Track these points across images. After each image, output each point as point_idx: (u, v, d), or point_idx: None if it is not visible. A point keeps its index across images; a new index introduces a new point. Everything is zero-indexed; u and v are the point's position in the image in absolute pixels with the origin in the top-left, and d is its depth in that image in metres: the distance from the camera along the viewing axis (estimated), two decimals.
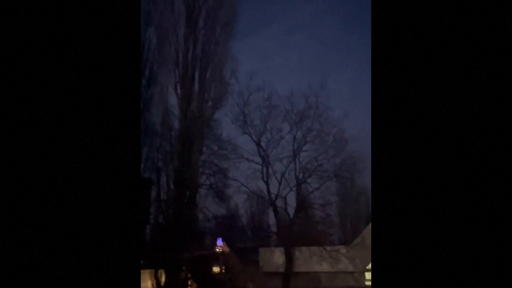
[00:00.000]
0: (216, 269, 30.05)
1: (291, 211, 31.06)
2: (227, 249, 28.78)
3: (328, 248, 30.25)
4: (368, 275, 31.82)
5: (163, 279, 25.29)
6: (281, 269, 29.38)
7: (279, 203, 31.05)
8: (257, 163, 30.80)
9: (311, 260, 30.11)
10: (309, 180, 31.27)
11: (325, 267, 30.39)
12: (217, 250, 28.50)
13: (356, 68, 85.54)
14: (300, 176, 31.01)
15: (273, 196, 30.86)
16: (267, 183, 30.74)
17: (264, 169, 30.75)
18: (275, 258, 30.33)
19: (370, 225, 33.08)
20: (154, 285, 25.06)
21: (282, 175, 30.90)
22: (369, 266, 29.47)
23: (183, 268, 26.26)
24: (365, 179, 37.89)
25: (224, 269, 30.14)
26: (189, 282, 26.89)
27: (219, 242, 28.84)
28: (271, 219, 33.88)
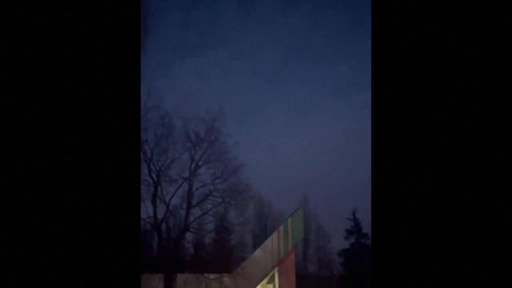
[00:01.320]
0: None
1: (176, 235, 30.71)
2: None
3: (211, 276, 29.60)
4: None
5: None
6: None
7: (164, 227, 30.47)
8: (146, 184, 29.82)
9: None
10: (199, 204, 31.01)
11: None
12: None
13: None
14: (191, 200, 30.65)
15: (159, 219, 30.04)
16: (154, 205, 29.90)
17: (153, 191, 29.96)
18: (155, 284, 28.88)
19: (253, 254, 33.10)
20: None
21: (171, 197, 30.38)
22: None
23: None
24: (252, 208, 38.02)
25: None
26: None
27: None
28: (156, 244, 33.01)
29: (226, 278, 29.92)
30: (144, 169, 29.49)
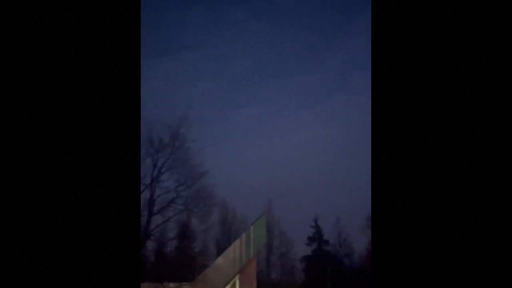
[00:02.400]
0: None
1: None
2: None
3: (171, 285, 29.06)
4: None
5: None
6: None
7: None
8: None
9: None
10: (161, 211, 30.56)
11: None
12: None
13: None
14: (152, 207, 30.18)
15: None
16: None
17: None
18: None
19: (214, 262, 32.69)
20: None
21: None
22: None
23: None
24: (216, 214, 37.38)
25: None
26: None
27: None
28: None
29: (186, 287, 29.42)
30: None
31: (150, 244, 32.48)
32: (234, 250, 31.01)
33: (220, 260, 31.86)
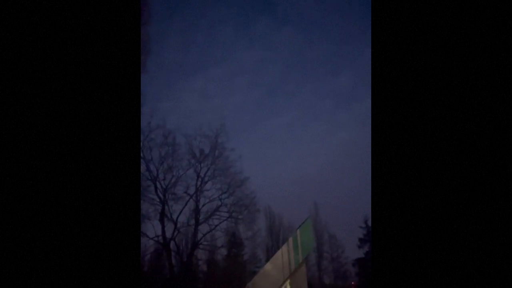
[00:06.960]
0: None
1: (185, 253, 30.38)
2: None
3: None
4: None
5: None
6: None
7: (173, 245, 30.00)
8: (153, 203, 29.44)
9: None
10: (207, 220, 30.75)
11: None
12: None
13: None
14: (198, 216, 30.40)
15: (167, 237, 29.58)
16: (162, 224, 29.55)
17: (161, 209, 29.56)
18: None
19: (263, 268, 32.62)
20: None
21: (179, 215, 30.19)
22: None
23: None
24: (262, 221, 37.46)
25: None
26: None
27: None
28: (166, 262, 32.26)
29: None
30: (151, 188, 29.49)
31: (200, 253, 32.81)
32: (281, 256, 30.78)
33: (268, 266, 31.47)
